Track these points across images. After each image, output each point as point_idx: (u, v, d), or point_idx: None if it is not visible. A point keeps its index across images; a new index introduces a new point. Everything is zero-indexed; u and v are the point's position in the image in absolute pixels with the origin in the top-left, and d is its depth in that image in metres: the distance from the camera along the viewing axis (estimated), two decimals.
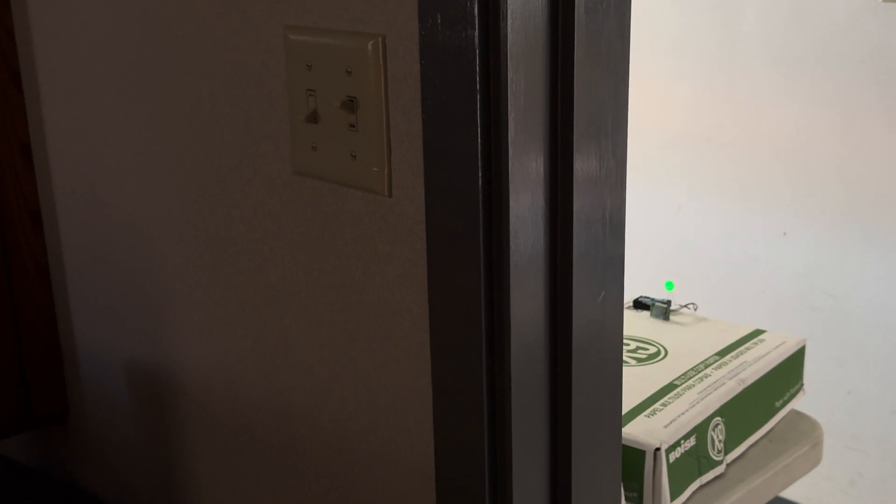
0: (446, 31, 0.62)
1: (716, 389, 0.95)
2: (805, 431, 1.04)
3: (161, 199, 0.93)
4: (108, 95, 0.95)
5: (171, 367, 0.98)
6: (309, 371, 0.83)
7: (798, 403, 1.06)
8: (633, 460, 0.87)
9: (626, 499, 0.88)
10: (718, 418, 0.93)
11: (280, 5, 0.75)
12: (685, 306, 1.13)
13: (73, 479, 1.19)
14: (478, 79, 0.61)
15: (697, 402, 0.93)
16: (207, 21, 0.81)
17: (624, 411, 0.88)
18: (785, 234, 2.28)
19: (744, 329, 1.08)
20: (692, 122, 2.39)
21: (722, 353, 1.03)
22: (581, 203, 0.65)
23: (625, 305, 0.93)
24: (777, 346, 1.04)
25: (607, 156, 0.66)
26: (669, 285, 1.38)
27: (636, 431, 0.88)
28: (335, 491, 0.84)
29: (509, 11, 0.60)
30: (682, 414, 0.91)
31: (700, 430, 0.91)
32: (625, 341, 1.04)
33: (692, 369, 0.99)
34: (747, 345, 1.05)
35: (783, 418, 1.04)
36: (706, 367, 1.00)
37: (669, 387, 0.96)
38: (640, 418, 0.90)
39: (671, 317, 1.12)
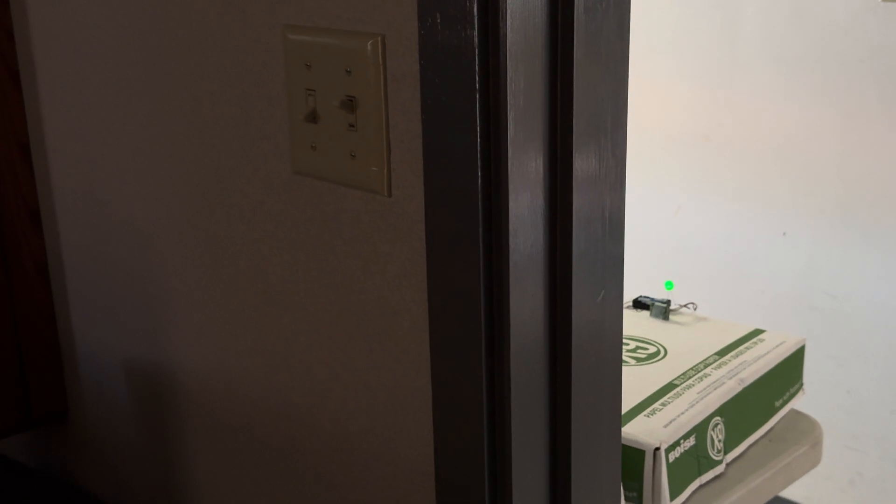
0: (446, 31, 0.62)
1: (715, 389, 0.95)
2: (805, 431, 1.04)
3: (160, 198, 0.93)
4: (107, 95, 0.95)
5: (171, 367, 0.98)
6: (308, 370, 0.83)
7: (798, 403, 1.06)
8: (633, 460, 0.87)
9: (626, 498, 0.88)
10: (718, 418, 0.93)
11: (279, 5, 0.75)
12: (685, 306, 1.13)
13: (73, 479, 1.19)
14: (477, 78, 0.61)
15: (697, 402, 0.93)
16: (207, 21, 0.81)
17: (623, 411, 0.88)
18: (784, 233, 2.28)
19: (743, 329, 1.08)
20: (692, 121, 2.39)
21: (721, 352, 1.03)
22: (580, 202, 0.65)
23: (624, 305, 0.93)
24: (776, 346, 1.04)
25: (607, 155, 0.66)
26: (669, 285, 1.38)
27: (636, 431, 0.88)
28: (334, 490, 0.84)
29: (508, 11, 0.60)
30: (682, 414, 0.91)
31: (700, 430, 0.91)
32: (624, 341, 1.04)
33: (692, 369, 0.99)
34: (747, 344, 1.05)
35: (783, 418, 1.04)
36: (706, 366, 1.00)
37: (669, 386, 0.96)
38: (640, 418, 0.90)
39: (671, 316, 1.12)
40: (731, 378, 0.97)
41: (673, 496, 0.88)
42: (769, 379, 1.01)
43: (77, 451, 1.17)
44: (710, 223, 2.41)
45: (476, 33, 0.60)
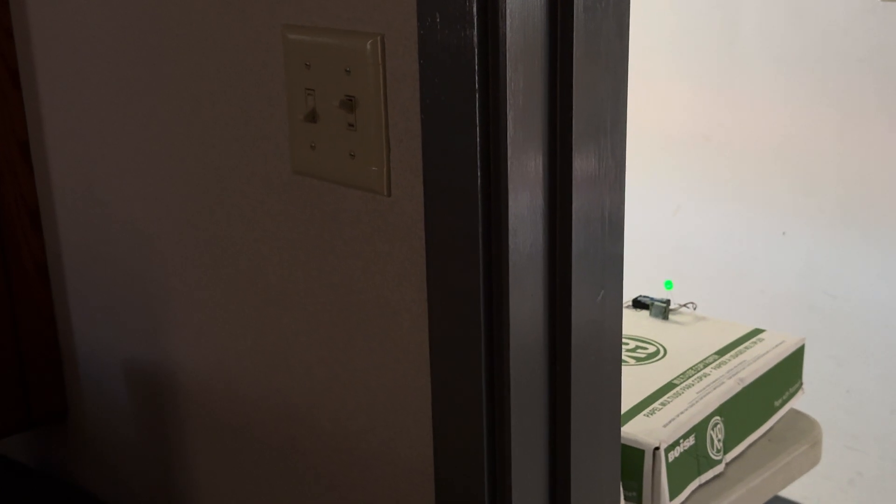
0: (445, 31, 0.62)
1: (715, 389, 0.95)
2: (804, 430, 1.04)
3: (160, 198, 0.93)
4: (107, 94, 0.95)
5: (171, 367, 0.98)
6: (308, 370, 0.83)
7: (797, 402, 1.06)
8: (633, 459, 0.87)
9: (626, 498, 0.88)
10: (717, 417, 0.93)
11: (279, 5, 0.75)
12: (684, 305, 1.13)
13: (73, 479, 1.19)
14: (476, 78, 0.61)
15: (696, 402, 0.93)
16: (206, 20, 0.81)
17: (623, 410, 0.88)
18: (784, 233, 2.28)
19: (743, 328, 1.08)
20: (691, 121, 2.39)
21: (721, 352, 1.03)
22: (580, 202, 0.65)
23: (624, 305, 0.93)
24: (776, 346, 1.04)
25: (606, 155, 0.66)
26: (668, 284, 1.38)
27: (635, 431, 0.88)
28: (334, 490, 0.84)
29: (508, 11, 0.60)
30: (682, 413, 0.91)
31: (699, 430, 0.91)
32: (624, 340, 1.04)
33: (691, 368, 0.99)
34: (746, 344, 1.05)
35: (782, 417, 1.04)
36: (705, 366, 1.00)
37: (668, 386, 0.96)
38: (640, 417, 0.90)
39: (670, 316, 1.12)
40: (730, 378, 0.97)
41: (672, 496, 0.88)
42: (769, 378, 1.01)
43: (77, 451, 1.17)
44: (710, 223, 2.41)
45: (475, 33, 0.60)
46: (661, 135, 2.44)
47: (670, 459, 0.87)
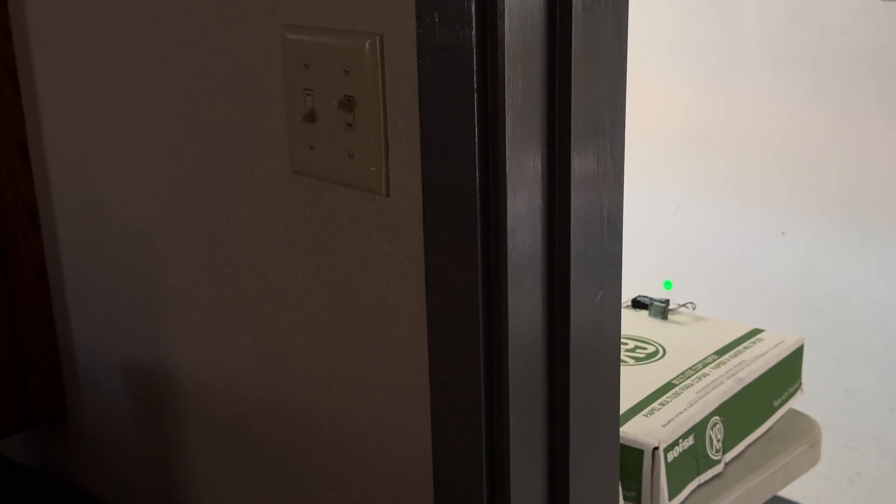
0: (444, 31, 0.62)
1: (714, 388, 0.95)
2: (803, 430, 1.04)
3: (159, 198, 0.93)
4: (105, 94, 0.95)
5: (170, 367, 0.98)
6: (307, 370, 0.83)
7: (796, 402, 1.06)
8: (632, 459, 0.87)
9: (625, 498, 0.88)
10: (717, 417, 0.93)
11: (278, 5, 0.75)
12: (683, 305, 1.13)
13: (72, 479, 1.19)
14: (475, 78, 0.61)
15: (696, 402, 0.93)
16: (205, 20, 0.81)
17: (622, 410, 0.88)
18: (783, 233, 2.28)
19: (742, 328, 1.08)
20: (690, 121, 2.39)
21: (720, 352, 1.03)
22: (579, 202, 0.65)
23: (623, 305, 0.93)
24: (775, 346, 1.04)
25: (605, 155, 0.66)
26: (668, 284, 1.38)
27: (634, 431, 0.88)
28: (333, 490, 0.84)
29: (507, 10, 0.60)
30: (681, 413, 0.91)
31: (698, 430, 0.91)
32: (623, 340, 1.04)
33: (690, 368, 0.99)
34: (745, 344, 1.05)
35: (781, 417, 1.04)
36: (704, 366, 1.00)
37: (668, 386, 0.96)
38: (639, 417, 0.90)
39: (669, 316, 1.12)
40: (729, 377, 0.97)
41: (671, 496, 0.88)
42: (768, 378, 1.01)
43: (76, 451, 1.17)
44: (709, 222, 2.41)
45: (474, 33, 0.60)
46: (661, 135, 2.44)
47: (669, 459, 0.87)
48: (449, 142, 0.64)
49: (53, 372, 1.14)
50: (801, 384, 1.07)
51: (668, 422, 0.89)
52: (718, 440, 0.94)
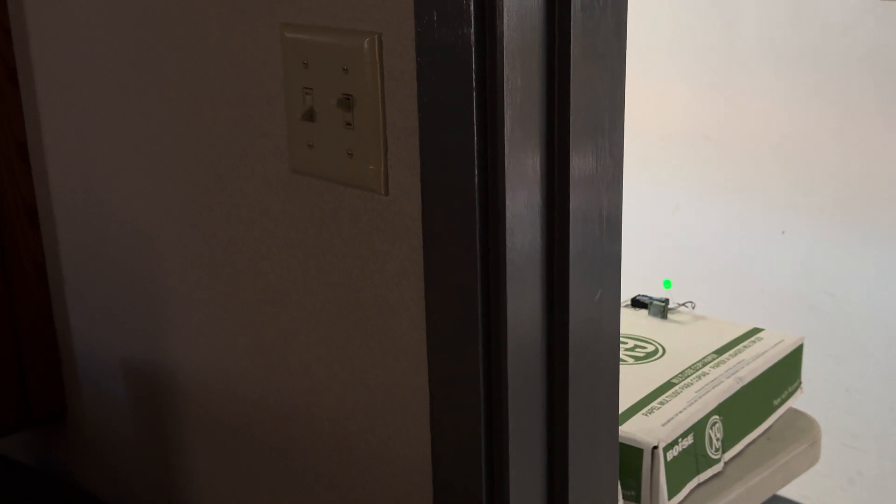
0: (442, 29, 0.62)
1: (714, 388, 0.95)
2: (803, 429, 1.04)
3: (159, 197, 0.93)
4: (105, 94, 0.95)
5: (170, 367, 0.98)
6: (307, 369, 0.83)
7: (796, 401, 1.06)
8: (631, 458, 0.87)
9: (624, 497, 0.88)
10: (716, 416, 0.93)
11: (278, 4, 0.75)
12: (683, 305, 1.13)
13: (72, 479, 1.19)
14: (474, 76, 0.61)
15: (695, 401, 0.93)
16: (205, 19, 0.81)
17: (621, 410, 0.88)
18: (783, 232, 2.28)
19: (742, 327, 1.08)
20: (690, 120, 2.39)
21: (720, 351, 1.03)
22: (578, 201, 0.65)
23: (623, 304, 0.93)
24: (775, 345, 1.04)
25: (604, 154, 0.66)
26: (667, 284, 1.38)
27: (634, 430, 0.88)
28: (333, 490, 0.84)
29: (505, 9, 0.60)
30: (680, 412, 0.91)
31: (698, 429, 0.91)
32: (623, 340, 1.04)
33: (690, 367, 0.99)
34: (745, 343, 1.05)
35: (781, 416, 1.04)
36: (704, 365, 1.00)
37: (667, 385, 0.96)
38: (638, 416, 0.90)
39: (669, 315, 1.12)
40: (729, 377, 0.97)
41: (671, 495, 0.88)
42: (767, 377, 1.01)
43: (76, 451, 1.17)
44: (709, 222, 2.41)
45: (473, 31, 0.60)
46: (660, 134, 2.44)
47: (669, 458, 0.87)
48: (448, 140, 0.64)
49: (53, 372, 1.14)
50: (800, 383, 1.07)
51: (668, 421, 0.89)
52: (718, 439, 0.94)
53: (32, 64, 1.03)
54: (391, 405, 0.76)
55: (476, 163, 0.62)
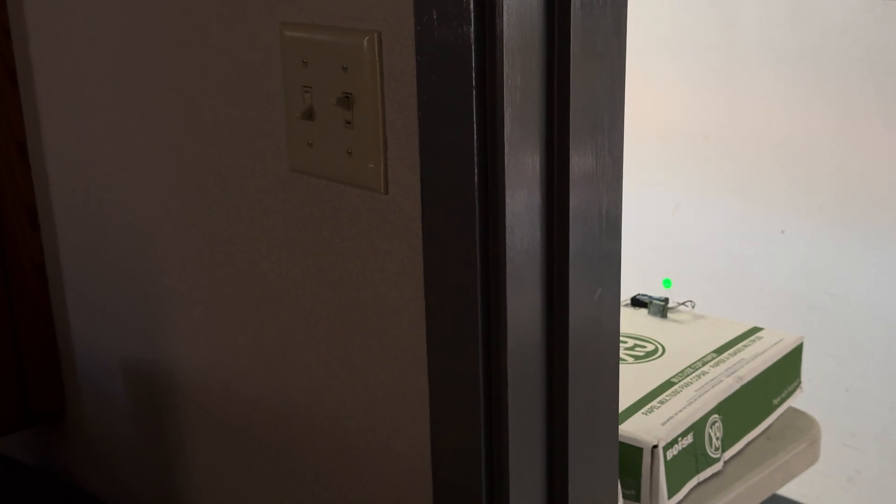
0: (442, 28, 0.62)
1: (713, 387, 0.95)
2: (803, 429, 1.04)
3: (158, 197, 0.93)
4: (104, 93, 0.95)
5: (169, 366, 0.98)
6: (306, 369, 0.83)
7: (796, 401, 1.06)
8: (631, 458, 0.87)
9: (624, 496, 0.88)
10: (716, 416, 0.93)
11: (277, 3, 0.75)
12: (683, 304, 1.13)
13: (72, 478, 1.19)
14: (474, 75, 0.61)
15: (695, 400, 0.93)
16: (204, 18, 0.81)
17: (621, 409, 0.88)
18: (783, 231, 2.28)
19: (741, 326, 1.08)
20: (690, 119, 2.39)
21: (719, 350, 1.03)
22: (577, 200, 0.65)
23: (622, 303, 0.93)
24: (775, 344, 1.04)
25: (604, 153, 0.66)
26: (667, 283, 1.38)
27: (633, 429, 0.88)
28: (333, 489, 0.84)
29: (505, 7, 0.60)
30: (680, 411, 0.91)
31: (697, 428, 0.91)
32: (622, 339, 1.04)
33: (690, 367, 0.99)
34: (745, 342, 1.05)
35: (781, 415, 1.04)
36: (704, 364, 1.00)
37: (667, 384, 0.96)
38: (638, 416, 0.90)
39: (669, 314, 1.12)
40: (729, 376, 0.97)
41: (671, 494, 0.88)
42: (767, 377, 1.01)
43: (75, 451, 1.17)
44: (709, 221, 2.41)
45: (472, 30, 0.60)
46: (660, 133, 2.44)
47: (668, 457, 0.87)
48: (447, 139, 0.64)
49: (53, 371, 1.14)
50: (800, 382, 1.07)
51: (668, 420, 0.89)
52: (718, 438, 0.94)
53: (32, 64, 1.03)
54: (391, 404, 0.76)
55: (476, 162, 0.62)
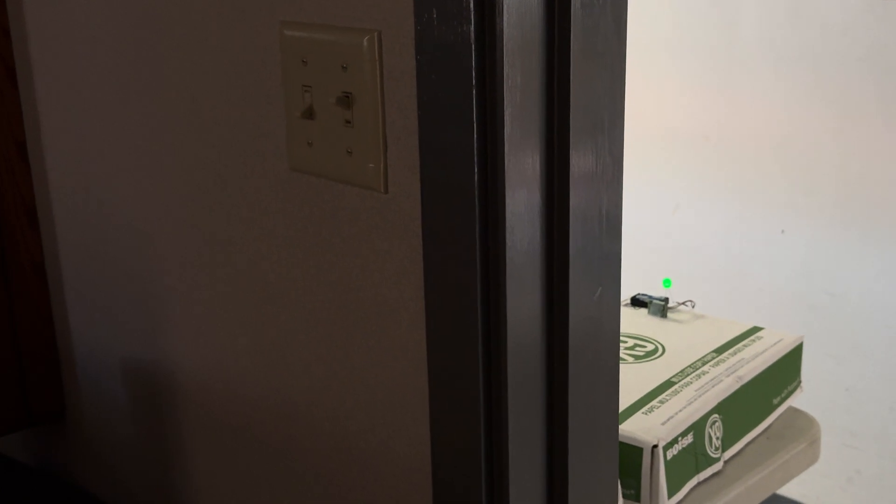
0: (442, 27, 0.62)
1: (713, 387, 0.95)
2: (803, 428, 1.04)
3: (158, 197, 0.92)
4: (104, 93, 0.95)
5: (169, 366, 0.98)
6: (306, 369, 0.83)
7: (796, 400, 1.06)
8: (631, 457, 0.87)
9: (624, 496, 0.88)
10: (716, 415, 0.93)
11: (276, 2, 0.75)
12: (683, 304, 1.13)
13: (71, 478, 1.19)
14: (474, 74, 0.61)
15: (695, 400, 0.93)
16: (204, 18, 0.81)
17: (621, 408, 0.88)
18: (783, 231, 2.28)
19: (741, 326, 1.08)
20: (690, 119, 2.39)
21: (719, 350, 1.03)
22: (577, 200, 0.65)
23: (622, 303, 0.93)
24: (774, 344, 1.04)
25: (604, 153, 0.66)
26: (667, 283, 1.38)
27: (633, 429, 0.88)
28: (333, 489, 0.84)
29: (505, 7, 0.60)
30: (680, 411, 0.90)
31: (697, 428, 0.91)
32: (622, 338, 1.04)
33: (690, 366, 0.99)
34: (745, 342, 1.05)
35: (781, 415, 1.04)
36: (704, 364, 1.00)
37: (667, 384, 0.96)
38: (638, 415, 0.90)
39: (669, 314, 1.12)
40: (729, 375, 0.97)
41: (671, 494, 0.88)
42: (767, 376, 1.01)
43: (75, 451, 1.17)
44: (709, 221, 2.41)
45: (472, 29, 0.60)
46: (660, 133, 2.44)
47: (668, 457, 0.87)
48: (447, 139, 0.64)
49: (52, 371, 1.13)
50: (800, 382, 1.07)
51: (668, 420, 0.89)
52: (718, 438, 0.94)
53: (32, 64, 1.03)
54: (391, 404, 0.76)
55: (476, 161, 0.62)
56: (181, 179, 0.89)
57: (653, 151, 2.45)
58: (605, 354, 0.71)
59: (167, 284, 0.95)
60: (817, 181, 2.21)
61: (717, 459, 0.94)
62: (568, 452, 0.70)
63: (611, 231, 0.69)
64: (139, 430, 1.06)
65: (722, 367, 0.99)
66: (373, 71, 0.68)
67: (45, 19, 0.99)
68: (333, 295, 0.78)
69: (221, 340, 0.90)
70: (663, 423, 0.88)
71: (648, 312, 1.12)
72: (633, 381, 0.96)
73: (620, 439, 0.83)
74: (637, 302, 1.14)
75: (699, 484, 0.92)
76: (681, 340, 1.05)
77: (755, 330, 1.07)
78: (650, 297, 1.13)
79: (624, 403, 0.91)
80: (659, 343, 1.04)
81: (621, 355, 0.97)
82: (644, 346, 1.04)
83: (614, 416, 0.74)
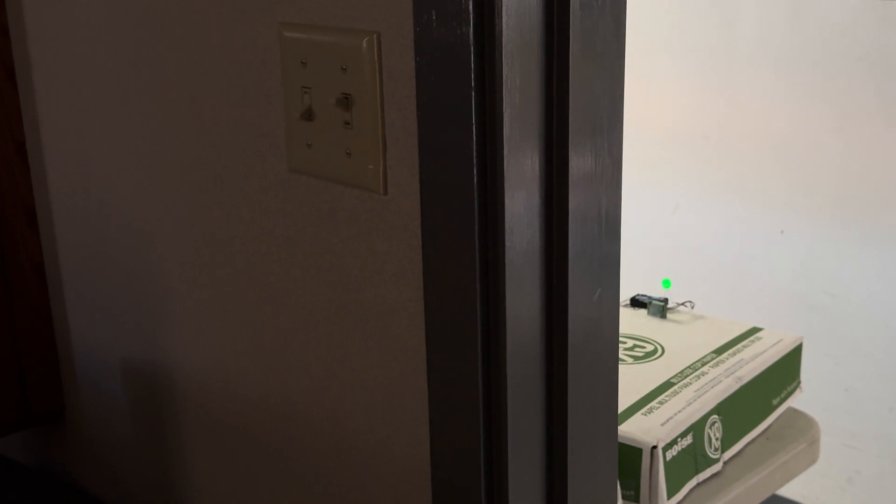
0: (441, 28, 0.62)
1: (713, 387, 0.95)
2: (802, 429, 1.04)
3: (157, 197, 0.93)
4: (103, 93, 0.95)
5: (168, 366, 0.98)
6: (306, 369, 0.83)
7: (795, 401, 1.06)
8: (630, 458, 0.87)
9: (623, 497, 0.88)
10: (715, 416, 0.93)
11: (277, 3, 0.75)
12: (682, 304, 1.13)
13: (71, 478, 1.19)
14: (473, 75, 0.61)
15: (694, 400, 0.93)
16: (203, 18, 0.81)
17: (621, 409, 0.88)
18: (782, 232, 2.28)
19: (741, 327, 1.08)
20: (690, 120, 2.39)
21: (719, 350, 1.03)
22: (577, 201, 0.65)
23: (622, 304, 0.93)
24: (774, 344, 1.04)
25: (603, 153, 0.66)
26: (666, 283, 1.38)
27: (633, 429, 0.88)
28: (332, 489, 0.84)
29: (504, 8, 0.60)
30: (679, 412, 0.91)
31: (697, 428, 0.91)
32: (622, 339, 1.04)
33: (689, 367, 0.99)
34: (744, 342, 1.05)
35: (780, 416, 1.04)
36: (703, 364, 1.00)
37: (666, 385, 0.96)
38: (637, 416, 0.90)
39: (668, 315, 1.12)
40: (728, 376, 0.97)
41: (670, 494, 0.88)
42: (767, 377, 1.01)
43: (75, 451, 1.17)
44: (708, 222, 2.41)
45: (472, 30, 0.60)
46: (660, 134, 2.44)
47: (668, 458, 0.87)
48: (446, 140, 0.64)
49: (52, 371, 1.14)
50: (800, 383, 1.07)
51: (667, 420, 0.89)
52: (717, 439, 0.94)
53: (31, 64, 1.03)
54: (390, 405, 0.76)
55: (475, 162, 0.62)
56: (181, 179, 0.89)
57: (653, 152, 2.45)
58: (604, 355, 0.71)
59: (167, 284, 0.95)
60: (817, 181, 2.21)
61: (717, 460, 0.94)
62: (567, 453, 0.70)
63: (610, 232, 0.69)
64: (139, 430, 1.06)
65: (721, 367, 0.99)
66: (372, 72, 0.68)
67: (44, 19, 0.99)
68: (333, 295, 0.78)
69: (221, 340, 0.90)
70: (663, 424, 0.88)
71: (648, 313, 1.12)
72: (632, 381, 0.96)
73: (620, 440, 0.83)
74: (636, 302, 1.14)
75: (699, 485, 0.92)
76: (680, 341, 1.05)
77: (755, 330, 1.07)
78: (650, 297, 1.14)
79: (623, 404, 0.91)
80: (658, 344, 1.04)
81: (621, 356, 0.97)
82: (643, 347, 1.04)
83: (614, 417, 0.74)
